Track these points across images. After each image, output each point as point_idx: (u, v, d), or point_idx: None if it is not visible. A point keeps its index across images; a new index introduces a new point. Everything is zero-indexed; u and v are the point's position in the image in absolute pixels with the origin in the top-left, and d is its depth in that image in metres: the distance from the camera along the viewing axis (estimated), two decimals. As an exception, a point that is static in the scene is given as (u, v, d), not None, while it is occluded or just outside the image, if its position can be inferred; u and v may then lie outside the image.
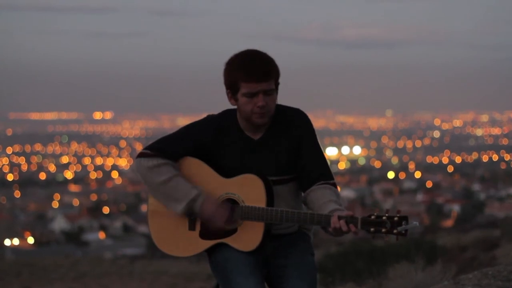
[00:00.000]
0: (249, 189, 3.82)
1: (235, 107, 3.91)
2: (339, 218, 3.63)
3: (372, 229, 3.62)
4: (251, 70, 3.75)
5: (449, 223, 66.54)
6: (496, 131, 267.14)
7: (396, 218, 3.60)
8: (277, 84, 3.83)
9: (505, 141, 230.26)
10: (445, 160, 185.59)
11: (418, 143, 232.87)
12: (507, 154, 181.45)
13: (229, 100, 3.88)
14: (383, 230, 3.61)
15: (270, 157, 3.88)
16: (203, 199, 3.83)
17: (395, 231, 3.60)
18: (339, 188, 3.93)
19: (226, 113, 3.96)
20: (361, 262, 17.44)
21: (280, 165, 3.88)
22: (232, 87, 3.82)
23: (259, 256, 3.87)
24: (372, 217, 3.63)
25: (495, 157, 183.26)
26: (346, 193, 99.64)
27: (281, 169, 3.88)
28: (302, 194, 3.95)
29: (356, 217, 3.64)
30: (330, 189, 3.84)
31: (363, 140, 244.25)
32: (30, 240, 73.19)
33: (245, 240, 3.83)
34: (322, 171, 3.89)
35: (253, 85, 3.76)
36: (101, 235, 77.63)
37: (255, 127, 3.89)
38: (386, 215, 3.62)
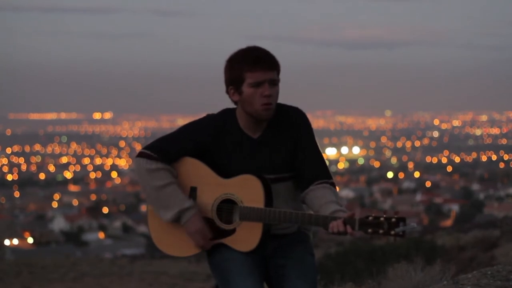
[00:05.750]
0: (247, 190, 3.82)
1: (235, 106, 3.92)
2: (338, 219, 3.64)
3: (369, 230, 3.61)
4: (257, 59, 3.78)
5: (448, 223, 66.54)
6: (495, 131, 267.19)
7: (393, 220, 3.59)
8: (279, 79, 3.86)
9: (504, 141, 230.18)
10: (444, 160, 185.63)
11: (417, 143, 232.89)
12: (506, 154, 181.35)
13: (231, 97, 3.87)
14: (381, 231, 3.60)
15: (269, 156, 3.88)
16: (193, 212, 3.85)
17: (392, 232, 3.59)
18: (337, 188, 3.94)
19: (226, 112, 3.95)
20: (360, 262, 17.46)
21: (279, 163, 3.88)
22: (236, 81, 3.81)
23: (258, 257, 3.87)
24: (370, 218, 3.62)
25: (494, 157, 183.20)
26: (345, 193, 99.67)
27: (280, 167, 3.88)
28: (301, 193, 3.94)
29: (354, 218, 3.64)
30: (329, 189, 3.84)
31: (362, 140, 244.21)
32: (30, 240, 73.20)
33: (244, 240, 3.83)
34: (320, 170, 3.88)
35: (259, 74, 3.77)
36: (101, 235, 77.67)
37: (255, 125, 3.88)
38: (384, 216, 3.61)
